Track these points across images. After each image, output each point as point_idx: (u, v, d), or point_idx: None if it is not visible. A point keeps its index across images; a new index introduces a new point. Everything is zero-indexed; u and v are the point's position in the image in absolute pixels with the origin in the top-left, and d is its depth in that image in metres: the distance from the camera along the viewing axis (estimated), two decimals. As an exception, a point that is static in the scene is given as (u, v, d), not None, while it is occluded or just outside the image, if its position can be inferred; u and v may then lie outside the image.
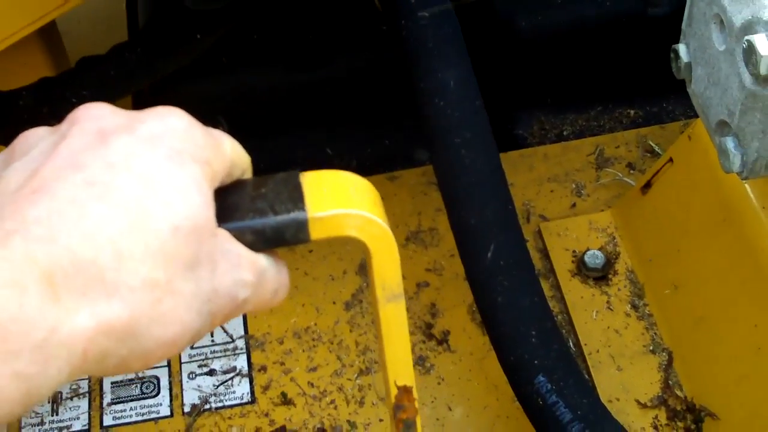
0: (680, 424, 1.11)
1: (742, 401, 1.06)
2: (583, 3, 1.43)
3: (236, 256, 0.48)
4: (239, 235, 0.49)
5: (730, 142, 0.79)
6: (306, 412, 1.15)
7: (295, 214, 0.49)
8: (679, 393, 1.13)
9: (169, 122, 0.48)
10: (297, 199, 0.50)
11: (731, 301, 1.09)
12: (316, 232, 0.50)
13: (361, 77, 1.46)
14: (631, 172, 1.36)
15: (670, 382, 1.14)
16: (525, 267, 0.99)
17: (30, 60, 1.16)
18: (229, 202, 0.50)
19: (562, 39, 1.44)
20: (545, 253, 1.28)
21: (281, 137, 1.46)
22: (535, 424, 0.99)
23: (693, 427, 1.11)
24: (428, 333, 1.21)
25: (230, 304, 0.48)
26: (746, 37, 0.71)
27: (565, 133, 1.50)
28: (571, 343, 1.19)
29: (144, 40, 1.09)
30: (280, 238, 0.50)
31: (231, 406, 1.16)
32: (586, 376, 1.14)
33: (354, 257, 1.27)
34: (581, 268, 1.25)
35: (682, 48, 0.86)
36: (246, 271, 0.48)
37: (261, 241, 0.49)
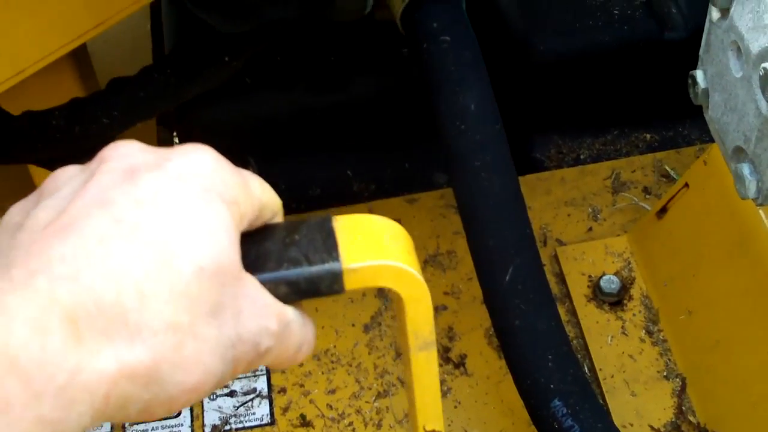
0: (694, 449, 1.12)
1: (756, 428, 1.06)
2: (600, 27, 1.44)
3: (262, 304, 0.47)
4: (273, 286, 0.47)
5: (746, 169, 0.79)
6: (324, 434, 1.16)
7: (329, 265, 0.48)
8: (692, 419, 1.13)
9: (198, 160, 0.47)
10: (331, 247, 0.49)
11: (746, 327, 1.09)
12: (350, 283, 0.49)
13: (381, 100, 1.46)
14: (647, 196, 1.36)
15: (683, 407, 1.14)
16: (542, 291, 0.99)
17: (61, 81, 1.18)
18: (261, 249, 0.48)
19: (579, 63, 1.45)
20: (561, 278, 1.28)
21: (301, 159, 1.47)
22: (550, 448, 1.00)
23: (707, 452, 1.11)
24: (445, 356, 1.22)
25: (253, 351, 0.47)
26: (763, 65, 0.72)
27: (582, 156, 1.50)
28: (586, 368, 1.19)
29: (173, 62, 1.10)
30: (314, 290, 0.49)
31: (251, 428, 1.16)
32: (601, 401, 1.14)
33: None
34: (597, 293, 1.25)
35: (699, 74, 0.86)
36: (271, 319, 0.47)
37: (295, 292, 0.48)
